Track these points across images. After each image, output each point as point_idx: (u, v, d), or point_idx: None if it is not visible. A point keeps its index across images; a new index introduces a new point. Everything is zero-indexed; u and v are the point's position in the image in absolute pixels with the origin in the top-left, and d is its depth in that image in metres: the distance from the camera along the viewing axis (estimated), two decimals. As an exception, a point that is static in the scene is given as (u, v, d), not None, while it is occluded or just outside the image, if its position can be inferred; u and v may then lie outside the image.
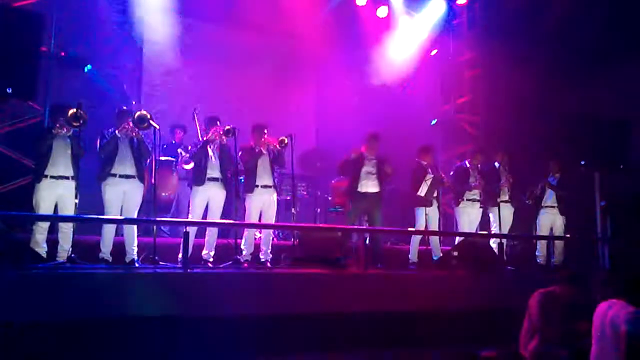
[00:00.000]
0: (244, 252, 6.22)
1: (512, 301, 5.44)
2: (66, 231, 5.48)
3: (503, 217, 7.43)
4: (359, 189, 6.76)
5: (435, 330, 5.55)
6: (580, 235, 7.69)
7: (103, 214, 5.71)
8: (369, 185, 6.78)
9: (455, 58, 10.42)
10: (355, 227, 6.71)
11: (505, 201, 7.60)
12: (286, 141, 6.49)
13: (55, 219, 5.53)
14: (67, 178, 5.54)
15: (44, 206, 5.45)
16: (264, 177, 6.39)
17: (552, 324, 4.61)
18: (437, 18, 10.02)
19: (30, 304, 4.30)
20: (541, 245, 7.62)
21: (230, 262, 6.01)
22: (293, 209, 6.93)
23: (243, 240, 6.27)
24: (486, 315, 5.60)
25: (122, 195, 5.75)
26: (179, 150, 7.28)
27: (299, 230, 6.72)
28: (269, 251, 6.32)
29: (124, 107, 6.08)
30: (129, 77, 7.96)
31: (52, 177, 5.49)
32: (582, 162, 7.49)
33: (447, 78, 10.47)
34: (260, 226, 6.48)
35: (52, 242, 5.48)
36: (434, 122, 10.19)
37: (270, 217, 6.42)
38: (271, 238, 6.48)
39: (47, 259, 5.33)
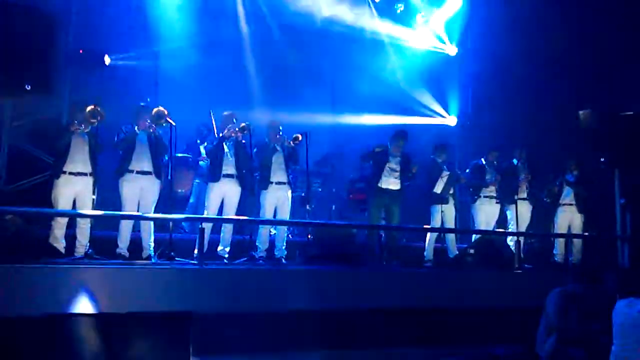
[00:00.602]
0: (259, 249, 6.24)
1: (528, 300, 5.38)
2: (84, 227, 5.56)
3: (521, 215, 7.35)
4: (380, 185, 6.77)
5: (450, 328, 5.52)
6: (599, 234, 7.58)
7: (120, 210, 5.77)
8: (390, 182, 6.81)
9: (473, 54, 10.32)
10: (371, 225, 6.67)
11: (524, 198, 7.51)
12: (300, 138, 6.49)
13: (73, 215, 5.60)
14: (85, 174, 5.61)
15: (63, 202, 5.52)
16: (278, 173, 6.40)
17: (569, 323, 4.55)
18: (455, 13, 9.92)
19: (49, 298, 4.35)
20: (559, 244, 7.53)
21: (245, 259, 6.04)
22: (308, 206, 6.93)
23: (258, 237, 6.29)
24: (502, 314, 5.54)
25: (139, 191, 5.81)
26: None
27: (314, 227, 6.71)
28: (283, 247, 6.33)
29: (142, 104, 6.13)
30: (146, 73, 8.00)
31: (70, 173, 5.56)
32: (602, 159, 7.38)
33: (464, 74, 10.39)
34: (275, 223, 6.49)
35: (71, 237, 5.55)
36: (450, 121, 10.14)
37: (285, 214, 6.43)
38: (286, 234, 6.49)
39: (65, 254, 5.40)
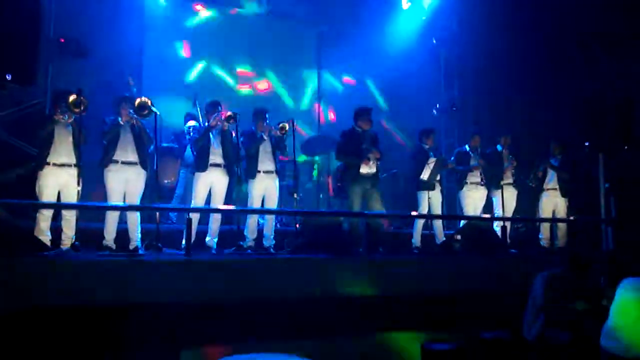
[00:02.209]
0: (247, 238, 6.23)
1: (515, 284, 5.46)
2: (69, 219, 5.49)
3: (506, 200, 7.41)
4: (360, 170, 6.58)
5: (439, 313, 5.58)
6: (584, 217, 7.68)
7: (106, 201, 5.72)
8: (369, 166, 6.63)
9: (457, 40, 10.33)
10: (358, 212, 6.66)
11: (509, 184, 7.58)
12: (287, 127, 6.44)
13: (58, 206, 5.53)
14: (69, 165, 5.53)
15: (47, 194, 5.44)
16: (265, 162, 6.37)
17: (555, 306, 4.62)
18: (439, 1, 9.91)
19: (34, 291, 4.32)
20: (544, 228, 7.62)
21: (234, 248, 6.03)
22: (295, 195, 6.91)
23: (246, 226, 6.27)
24: (490, 298, 5.61)
25: (125, 182, 5.75)
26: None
27: (302, 216, 6.70)
28: (271, 237, 6.32)
29: (126, 95, 6.05)
30: (129, 63, 7.89)
31: (54, 164, 5.48)
32: (586, 143, 7.46)
33: (449, 60, 10.41)
34: (263, 212, 6.47)
35: (56, 229, 5.49)
36: (435, 108, 10.16)
37: (273, 203, 6.41)
38: (274, 224, 6.48)
39: (51, 246, 5.35)
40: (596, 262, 5.02)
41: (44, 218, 5.40)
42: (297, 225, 6.58)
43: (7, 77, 5.42)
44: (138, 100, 5.72)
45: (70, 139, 5.57)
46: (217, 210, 6.12)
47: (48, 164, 5.47)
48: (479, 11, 9.55)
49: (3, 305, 4.16)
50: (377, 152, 6.64)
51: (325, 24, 9.66)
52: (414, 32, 10.03)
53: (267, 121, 6.44)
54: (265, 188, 6.36)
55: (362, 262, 5.74)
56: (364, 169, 6.58)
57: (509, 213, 7.49)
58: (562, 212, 7.58)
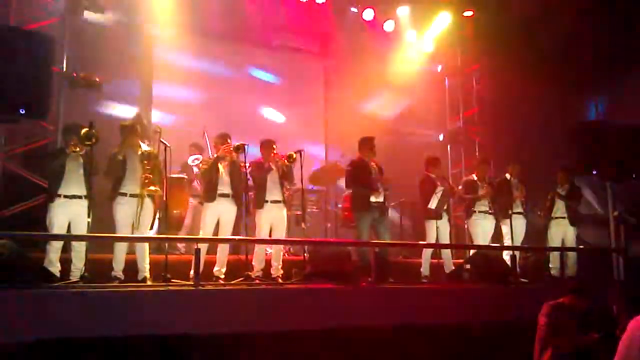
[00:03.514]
0: (255, 268, 6.22)
1: (525, 314, 5.39)
2: (79, 250, 5.53)
3: (516, 229, 7.38)
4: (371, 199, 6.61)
5: (448, 343, 5.51)
6: (593, 246, 7.62)
7: (114, 233, 5.76)
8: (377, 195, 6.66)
9: (461, 70, 10.46)
10: (366, 242, 6.65)
11: (519, 213, 7.56)
12: (294, 156, 6.50)
13: (68, 238, 5.57)
14: (80, 197, 5.59)
15: (58, 225, 5.50)
16: (273, 192, 6.41)
17: (562, 337, 4.54)
18: (443, 31, 10.06)
19: (44, 323, 4.32)
20: (553, 257, 7.56)
21: (242, 278, 6.02)
22: (303, 224, 6.93)
23: (254, 256, 6.28)
24: (500, 329, 5.54)
25: (132, 214, 5.78)
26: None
27: (310, 245, 6.70)
28: (279, 266, 6.32)
29: (126, 123, 6.10)
30: (139, 96, 8.05)
31: (65, 196, 5.55)
32: (594, 172, 7.45)
33: (454, 91, 10.51)
34: (270, 242, 6.48)
35: (66, 261, 5.52)
36: (441, 137, 10.24)
37: (281, 233, 6.43)
38: (282, 253, 6.48)
39: (60, 278, 5.37)
40: (607, 292, 4.96)
41: (54, 249, 5.44)
42: (305, 255, 6.58)
43: (21, 111, 5.53)
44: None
45: (81, 171, 5.65)
46: (225, 240, 6.14)
47: (59, 196, 5.54)
48: (482, 40, 9.67)
49: (12, 338, 4.16)
50: (386, 182, 6.69)
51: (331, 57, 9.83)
52: (418, 62, 10.16)
53: (275, 151, 6.51)
54: (273, 218, 6.38)
55: (371, 291, 5.71)
56: (373, 198, 6.62)
57: (518, 242, 7.45)
58: (571, 241, 7.53)
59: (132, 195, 5.77)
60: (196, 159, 7.24)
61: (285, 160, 6.47)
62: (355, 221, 6.81)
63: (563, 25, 8.33)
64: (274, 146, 6.54)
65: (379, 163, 6.88)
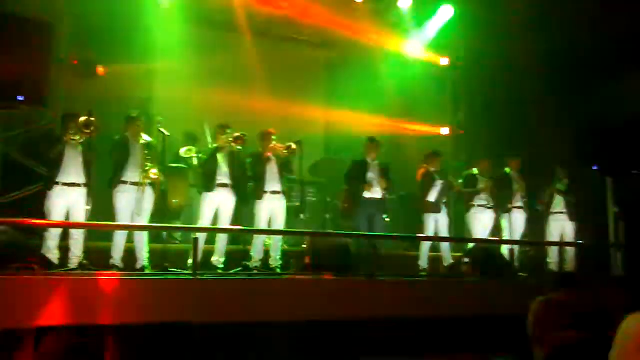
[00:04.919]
0: (253, 259, 6.22)
1: (523, 308, 5.39)
2: (77, 238, 5.53)
3: (515, 224, 7.38)
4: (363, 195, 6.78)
5: (446, 337, 5.52)
6: (592, 242, 7.62)
7: (114, 221, 5.76)
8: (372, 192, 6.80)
9: (464, 64, 10.40)
10: (365, 234, 6.66)
11: (519, 207, 7.54)
12: (294, 147, 6.49)
13: (66, 225, 5.57)
14: (78, 185, 5.60)
15: (56, 213, 5.50)
16: (272, 183, 6.41)
17: (548, 332, 4.50)
18: (446, 23, 9.99)
19: (43, 310, 4.32)
20: (552, 252, 7.55)
21: (240, 269, 6.02)
22: (302, 215, 6.92)
23: (252, 247, 6.28)
24: (498, 323, 5.55)
25: (134, 202, 5.79)
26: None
27: (308, 237, 6.70)
28: (278, 257, 6.32)
29: (133, 114, 6.11)
30: (139, 83, 8.00)
31: (63, 184, 5.55)
32: (594, 167, 7.44)
33: (457, 84, 10.46)
34: (269, 232, 6.48)
35: (64, 248, 5.52)
36: (443, 130, 10.21)
37: (280, 224, 6.43)
38: (280, 244, 6.48)
39: (59, 265, 5.37)
40: (604, 287, 4.95)
41: (52, 237, 5.45)
42: (304, 246, 6.58)
43: (19, 98, 5.51)
44: (83, 119, 5.48)
45: (80, 159, 5.65)
46: (223, 230, 6.14)
47: (57, 183, 5.53)
48: (485, 34, 9.62)
49: (9, 323, 4.16)
50: (383, 182, 6.84)
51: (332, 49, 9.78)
52: (421, 55, 10.10)
53: (274, 142, 6.49)
54: (272, 209, 6.38)
55: (368, 283, 5.71)
56: (367, 194, 6.75)
57: (517, 237, 7.45)
58: (569, 237, 7.53)
59: (133, 184, 5.78)
60: (188, 150, 7.20)
61: (285, 151, 6.46)
62: (350, 216, 7.06)
63: (566, 20, 8.28)
64: (273, 137, 6.52)
65: (384, 165, 7.02)
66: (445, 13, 9.85)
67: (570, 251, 7.44)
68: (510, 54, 8.96)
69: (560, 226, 7.55)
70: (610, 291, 4.78)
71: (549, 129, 8.52)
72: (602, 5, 7.91)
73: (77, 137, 5.61)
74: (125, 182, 5.79)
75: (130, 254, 5.79)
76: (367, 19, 9.76)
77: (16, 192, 6.69)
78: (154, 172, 5.80)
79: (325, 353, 5.16)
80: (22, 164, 6.80)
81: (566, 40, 8.30)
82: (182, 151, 7.33)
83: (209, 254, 6.08)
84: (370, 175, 6.84)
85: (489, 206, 7.43)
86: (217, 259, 6.11)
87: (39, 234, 5.53)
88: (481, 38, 9.79)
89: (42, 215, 5.53)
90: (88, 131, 5.50)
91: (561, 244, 7.51)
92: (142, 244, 5.79)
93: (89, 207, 5.57)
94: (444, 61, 10.45)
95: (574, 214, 7.50)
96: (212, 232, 6.20)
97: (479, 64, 10.11)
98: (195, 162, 7.07)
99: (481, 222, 7.44)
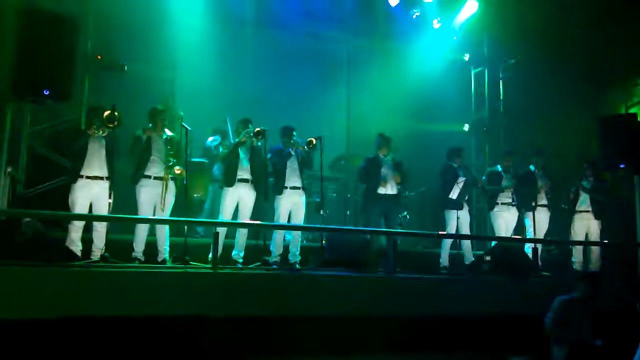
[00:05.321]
0: (272, 253, 6.24)
1: (546, 308, 5.31)
2: (100, 230, 5.61)
3: (539, 222, 7.26)
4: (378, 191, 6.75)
5: (466, 335, 5.47)
6: (618, 241, 7.45)
7: (136, 214, 5.83)
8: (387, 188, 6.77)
9: (488, 60, 10.27)
10: (384, 230, 6.63)
11: (543, 205, 7.42)
12: (314, 142, 6.48)
13: (89, 218, 5.66)
14: (101, 178, 5.67)
15: (79, 205, 5.58)
16: (293, 178, 6.41)
17: (569, 332, 4.42)
18: (470, 19, 9.86)
19: (65, 301, 4.40)
20: (576, 251, 7.41)
21: (259, 263, 6.04)
22: (322, 211, 6.92)
23: (272, 242, 6.30)
24: (519, 322, 5.47)
25: (156, 196, 5.84)
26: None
27: (328, 232, 6.69)
28: (297, 252, 6.32)
29: (158, 107, 6.16)
30: (163, 78, 8.07)
31: (87, 177, 5.62)
32: (622, 165, 7.28)
33: (480, 80, 10.34)
34: (289, 227, 6.49)
35: (87, 241, 5.61)
36: (466, 127, 10.10)
37: (300, 219, 6.43)
38: (300, 240, 6.48)
39: (81, 257, 5.46)
40: (630, 287, 4.85)
41: (76, 229, 5.53)
42: (323, 242, 6.57)
43: (45, 93, 5.60)
44: (107, 113, 5.53)
45: (104, 152, 5.72)
46: (244, 225, 6.17)
47: (81, 176, 5.61)
48: (510, 30, 9.47)
49: (32, 313, 4.25)
50: (397, 177, 6.82)
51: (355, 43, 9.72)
52: (444, 51, 10.00)
53: (295, 137, 6.49)
54: (292, 204, 6.39)
55: (388, 280, 5.69)
56: (382, 190, 6.73)
57: (541, 235, 7.33)
58: (595, 235, 7.37)
59: (156, 178, 5.84)
60: (215, 140, 7.26)
61: (305, 147, 6.45)
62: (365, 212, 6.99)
63: (594, 18, 8.11)
64: (294, 132, 6.52)
65: (398, 161, 6.98)
66: (470, 8, 9.72)
67: (595, 250, 7.29)
68: (537, 48, 8.82)
69: (585, 225, 7.40)
70: (635, 291, 4.69)
71: (576, 125, 8.36)
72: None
73: (101, 131, 5.68)
74: (148, 177, 5.85)
75: (151, 248, 5.85)
76: (390, 14, 9.69)
77: (41, 185, 6.82)
78: (177, 168, 5.85)
79: (345, 347, 5.15)
80: (47, 157, 6.92)
81: (589, 37, 8.14)
82: (210, 140, 7.40)
83: (229, 248, 6.11)
84: (384, 171, 6.80)
85: (512, 204, 7.32)
86: (237, 253, 6.14)
87: (63, 226, 5.64)
88: (507, 33, 9.65)
89: (66, 207, 5.62)
90: (112, 125, 5.57)
91: (585, 243, 7.36)
92: (164, 237, 5.84)
93: (110, 200, 5.64)
94: (468, 56, 10.31)
95: (600, 212, 7.34)
96: (233, 226, 6.22)
97: (504, 59, 9.98)
98: (220, 151, 7.11)
99: (504, 220, 7.34)
